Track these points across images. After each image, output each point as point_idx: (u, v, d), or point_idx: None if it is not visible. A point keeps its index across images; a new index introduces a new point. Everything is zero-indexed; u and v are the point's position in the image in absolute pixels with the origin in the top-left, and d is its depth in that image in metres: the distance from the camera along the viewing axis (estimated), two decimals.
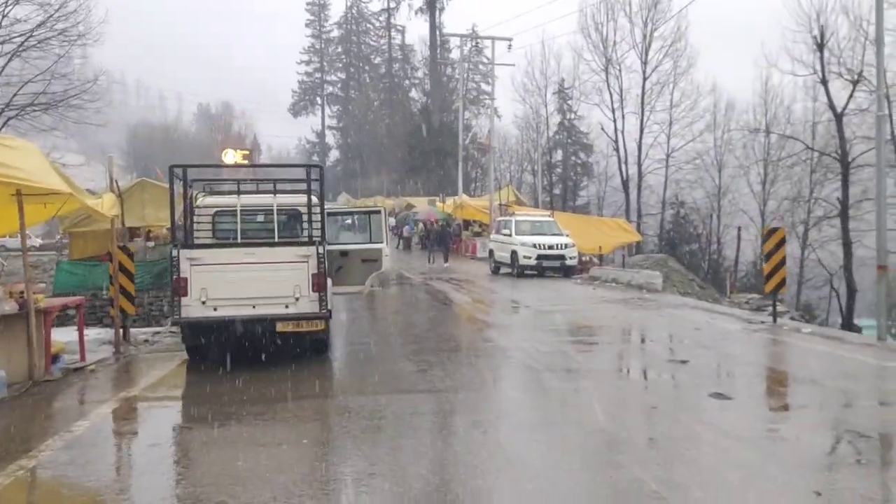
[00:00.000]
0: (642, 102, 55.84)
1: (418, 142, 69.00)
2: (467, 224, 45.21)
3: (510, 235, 29.57)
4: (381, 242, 14.61)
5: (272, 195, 13.48)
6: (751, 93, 57.54)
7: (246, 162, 74.40)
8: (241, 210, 13.03)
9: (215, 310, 11.52)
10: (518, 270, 28.71)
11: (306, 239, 12.22)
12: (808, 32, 36.38)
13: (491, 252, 31.63)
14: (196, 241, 12.86)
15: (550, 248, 28.62)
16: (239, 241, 12.78)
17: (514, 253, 28.98)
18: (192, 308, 11.49)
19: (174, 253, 11.58)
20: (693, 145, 56.82)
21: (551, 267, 28.97)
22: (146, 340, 15.14)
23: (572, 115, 66.21)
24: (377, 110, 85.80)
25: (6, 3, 33.54)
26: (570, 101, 65.85)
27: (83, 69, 41.15)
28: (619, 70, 56.28)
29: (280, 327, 11.73)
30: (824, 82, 35.85)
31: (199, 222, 13.20)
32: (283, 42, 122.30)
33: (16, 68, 35.72)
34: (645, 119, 56.11)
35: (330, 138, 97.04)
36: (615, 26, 55.81)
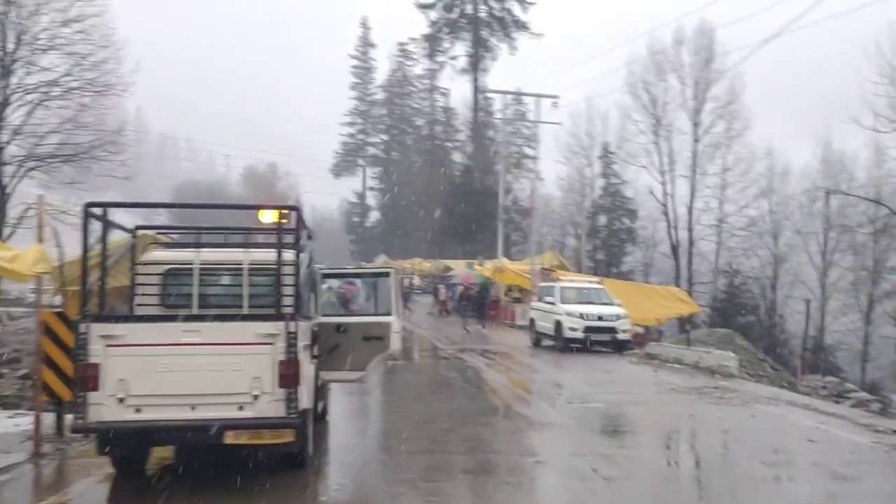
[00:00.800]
0: (693, 165, 52.01)
1: (458, 203, 65.53)
2: (508, 289, 41.33)
3: (554, 304, 25.63)
4: (390, 315, 10.86)
5: (244, 250, 9.92)
6: (810, 156, 53.13)
7: (282, 220, 71.97)
8: (202, 269, 9.62)
9: (138, 411, 7.82)
10: (562, 344, 24.69)
11: (272, 312, 8.46)
12: (890, 84, 32.28)
13: (532, 321, 27.67)
14: (136, 310, 9.32)
15: (600, 318, 24.59)
16: (193, 311, 9.18)
17: (558, 324, 24.99)
18: (104, 408, 7.78)
19: (81, 328, 7.91)
20: (747, 211, 52.69)
21: (600, 341, 24.92)
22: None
23: (617, 180, 62.53)
24: (418, 172, 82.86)
25: (33, 51, 31.21)
26: (614, 165, 62.26)
27: (110, 121, 38.35)
28: (669, 132, 52.60)
29: (230, 438, 7.98)
30: None
31: (142, 284, 9.60)
32: (329, 104, 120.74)
33: (40, 117, 33.04)
34: (696, 183, 52.17)
35: (370, 199, 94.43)
36: (665, 86, 52.32)
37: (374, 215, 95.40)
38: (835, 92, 73.16)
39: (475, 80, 66.44)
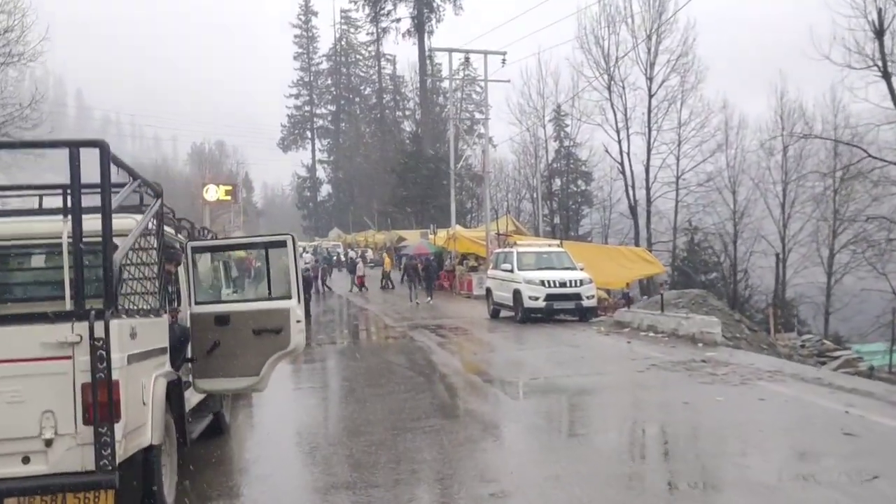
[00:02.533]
0: (649, 121, 49.38)
1: (409, 172, 62.44)
2: (462, 258, 38.46)
3: (511, 271, 22.81)
4: (290, 298, 7.88)
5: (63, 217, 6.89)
6: (765, 107, 50.78)
7: (228, 198, 68.17)
8: None
9: None
10: (522, 315, 21.93)
11: (70, 309, 5.45)
12: (863, 17, 29.56)
13: (488, 291, 24.85)
14: None
15: (562, 285, 21.85)
16: None
17: (517, 293, 22.20)
18: None
19: None
20: (704, 167, 50.33)
21: (564, 309, 22.22)
22: None
23: (570, 143, 59.81)
24: (368, 142, 79.51)
25: None
26: (567, 126, 59.53)
27: (21, 94, 34.44)
28: (623, 87, 49.88)
29: None
30: (886, 76, 29.15)
31: None
32: (272, 76, 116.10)
33: None
34: (652, 139, 49.60)
35: (321, 172, 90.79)
36: (617, 40, 49.46)
37: (325, 189, 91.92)
38: (790, 38, 71.30)
39: (420, 42, 63.27)
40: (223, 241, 8.93)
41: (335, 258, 56.23)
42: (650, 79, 49.33)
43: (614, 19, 49.28)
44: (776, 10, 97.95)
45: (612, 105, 49.95)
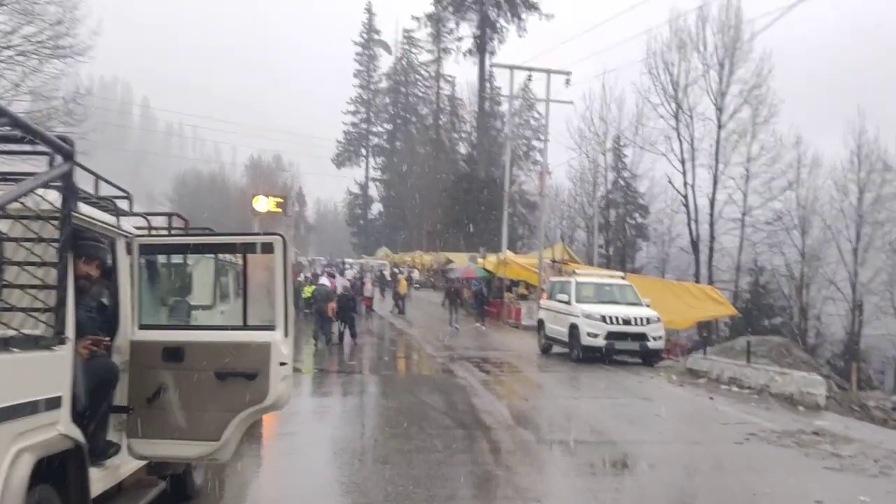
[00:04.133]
0: (717, 154, 46.03)
1: (462, 194, 59.91)
2: (511, 285, 35.64)
3: (568, 303, 20.01)
4: (274, 328, 5.28)
5: None
6: (841, 145, 47.14)
7: (279, 210, 66.24)
8: None
9: None
10: (578, 353, 19.08)
11: None
12: None
13: (541, 323, 22.02)
14: None
15: (626, 322, 18.97)
16: None
17: (573, 328, 19.38)
18: None
19: None
20: (773, 204, 46.75)
21: (626, 350, 19.32)
22: None
23: (628, 174, 56.68)
24: (422, 162, 77.20)
25: None
26: (626, 157, 56.44)
27: (66, 88, 32.66)
28: (691, 117, 46.67)
29: None
30: None
31: None
32: (332, 92, 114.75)
33: None
34: (719, 173, 46.27)
35: (373, 190, 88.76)
36: (687, 67, 46.41)
37: (376, 207, 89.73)
38: (872, 73, 67.50)
39: (481, 62, 60.95)
40: (182, 237, 6.37)
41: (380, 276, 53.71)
42: (720, 109, 46.12)
43: (685, 44, 46.29)
44: (856, 46, 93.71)
45: (678, 134, 46.78)
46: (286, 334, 5.26)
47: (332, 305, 21.86)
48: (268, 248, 5.36)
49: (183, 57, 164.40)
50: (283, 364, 5.21)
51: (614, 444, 10.02)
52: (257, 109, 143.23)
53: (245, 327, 5.35)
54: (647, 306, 19.98)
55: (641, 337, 18.93)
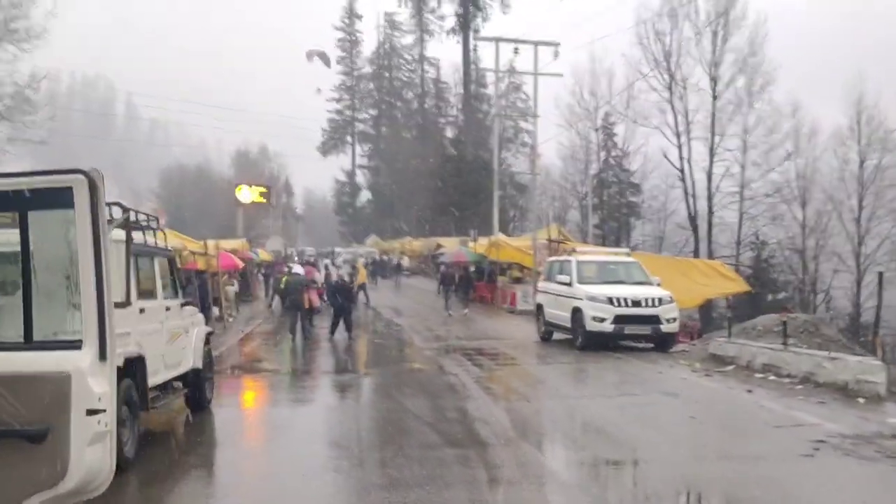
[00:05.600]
0: (712, 126, 43.69)
1: (450, 178, 57.41)
2: (503, 268, 33.23)
3: (570, 285, 17.59)
4: (83, 344, 2.85)
5: None
6: (840, 113, 44.74)
7: (263, 200, 63.55)
8: None
9: None
10: (584, 339, 16.68)
11: None
12: None
13: (539, 308, 19.59)
14: None
15: (636, 304, 16.54)
16: None
17: (577, 312, 16.95)
18: None
19: None
20: (772, 176, 44.46)
21: (637, 335, 16.96)
22: None
23: (619, 152, 54.19)
24: (408, 148, 74.57)
25: None
26: (615, 137, 53.94)
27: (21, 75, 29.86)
28: (685, 88, 44.27)
29: None
30: None
31: None
32: (315, 80, 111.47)
33: None
34: (715, 145, 43.94)
35: (361, 178, 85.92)
36: (679, 36, 44.00)
37: (364, 195, 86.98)
38: (872, 36, 65.17)
39: (465, 41, 58.33)
40: None
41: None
42: (714, 79, 43.79)
43: (676, 13, 43.79)
44: (854, 8, 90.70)
45: (672, 107, 44.44)
46: (102, 355, 2.84)
47: (308, 296, 19.48)
48: (61, 199, 2.92)
49: (163, 52, 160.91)
50: (94, 413, 2.79)
51: (646, 463, 7.62)
52: (241, 101, 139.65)
53: (26, 345, 2.92)
54: (658, 285, 17.58)
55: (654, 320, 16.53)
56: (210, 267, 23.74)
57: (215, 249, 24.25)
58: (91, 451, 2.85)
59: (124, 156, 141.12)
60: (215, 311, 23.77)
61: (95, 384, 2.85)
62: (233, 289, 28.00)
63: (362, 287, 29.73)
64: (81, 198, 2.92)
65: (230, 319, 25.00)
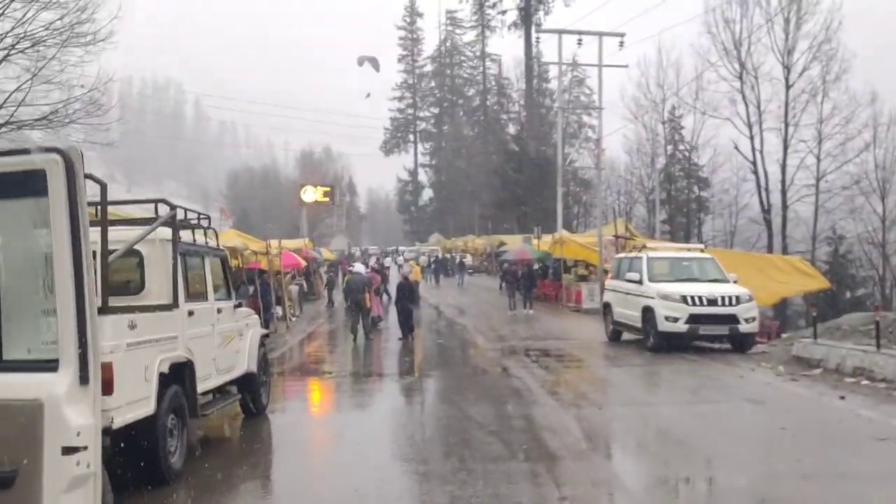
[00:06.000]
0: (786, 116, 41.92)
1: (512, 174, 56.63)
2: (568, 266, 32.33)
3: (640, 282, 16.70)
4: (59, 364, 2.29)
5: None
6: None
7: (326, 199, 63.67)
8: None
9: None
10: (656, 340, 15.78)
11: None
12: None
13: (607, 307, 18.73)
14: None
15: (712, 302, 15.59)
16: None
17: (648, 311, 16.07)
18: None
19: None
20: (849, 168, 42.42)
21: (713, 336, 16.00)
22: None
23: (685, 146, 52.53)
24: (470, 145, 74.00)
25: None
26: (683, 130, 52.26)
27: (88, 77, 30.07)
28: (756, 77, 42.55)
29: None
30: None
31: None
32: (378, 79, 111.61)
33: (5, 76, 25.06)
34: (789, 137, 42.12)
35: (423, 176, 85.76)
36: (750, 24, 42.30)
37: (427, 193, 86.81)
38: None
39: (527, 34, 57.46)
40: None
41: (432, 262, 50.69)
42: (787, 68, 41.97)
43: (747, 1, 42.12)
44: None
45: (743, 97, 42.75)
46: (84, 378, 2.28)
47: (369, 296, 19.04)
48: (33, 185, 2.36)
49: (230, 56, 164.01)
50: (72, 451, 2.23)
51: (737, 482, 6.80)
52: (307, 101, 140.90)
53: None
54: (735, 283, 16.58)
55: (731, 319, 15.54)
56: (273, 266, 23.54)
57: (278, 249, 24.04)
58: (68, 499, 2.30)
59: (195, 158, 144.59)
60: (278, 310, 23.58)
61: (74, 415, 2.28)
62: (296, 288, 27.83)
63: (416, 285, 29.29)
64: (56, 182, 2.37)
65: (293, 319, 24.80)
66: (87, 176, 6.03)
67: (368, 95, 68.60)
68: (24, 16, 23.17)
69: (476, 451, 7.97)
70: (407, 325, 18.76)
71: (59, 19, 23.74)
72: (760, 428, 8.94)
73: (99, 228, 5.96)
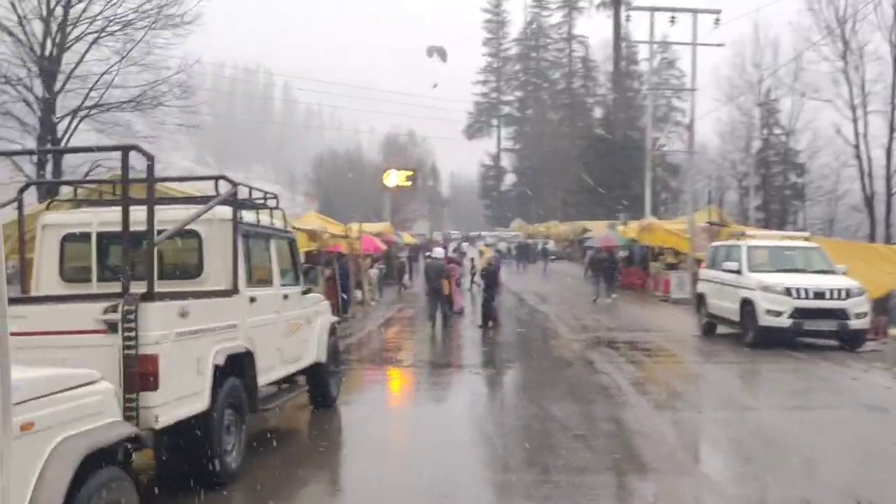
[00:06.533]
0: (892, 97, 39.02)
1: (597, 159, 55.05)
2: (656, 253, 30.92)
3: (739, 272, 15.44)
4: None
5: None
6: None
7: (409, 184, 63.40)
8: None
9: None
10: (755, 335, 14.54)
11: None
12: None
13: (701, 298, 17.47)
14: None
15: (819, 296, 14.26)
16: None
17: (747, 303, 14.82)
18: None
19: None
20: None
21: (820, 332, 14.66)
22: None
23: (780, 130, 49.86)
24: (555, 129, 72.42)
25: None
26: (778, 114, 49.62)
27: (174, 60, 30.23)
28: (861, 57, 39.78)
29: None
30: None
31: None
32: (462, 63, 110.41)
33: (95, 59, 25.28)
34: (895, 119, 39.28)
35: (506, 161, 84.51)
36: (855, 1, 39.50)
37: (509, 178, 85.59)
38: None
39: (616, 14, 55.36)
40: None
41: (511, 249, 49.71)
42: (895, 46, 39.07)
43: None
44: None
45: (846, 77, 40.01)
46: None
47: (448, 283, 18.34)
48: None
49: (318, 39, 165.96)
50: None
51: None
52: (393, 85, 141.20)
53: None
54: (844, 274, 15.17)
55: (840, 314, 14.17)
56: (353, 250, 23.15)
57: (358, 232, 23.61)
58: None
59: (283, 142, 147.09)
60: (357, 294, 23.19)
61: None
62: (376, 272, 27.42)
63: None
64: None
65: (373, 303, 24.38)
66: (134, 148, 5.49)
67: (436, 85, 68.40)
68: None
69: (560, 459, 7.12)
70: (489, 312, 17.99)
71: (147, 1, 23.81)
72: (888, 442, 7.80)
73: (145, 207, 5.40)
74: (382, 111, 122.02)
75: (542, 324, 19.84)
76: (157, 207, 6.62)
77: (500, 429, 8.61)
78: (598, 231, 41.98)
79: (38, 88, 22.51)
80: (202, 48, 29.29)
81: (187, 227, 6.39)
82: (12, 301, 5.83)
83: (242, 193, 7.29)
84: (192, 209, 6.41)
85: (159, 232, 5.63)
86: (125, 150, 5.43)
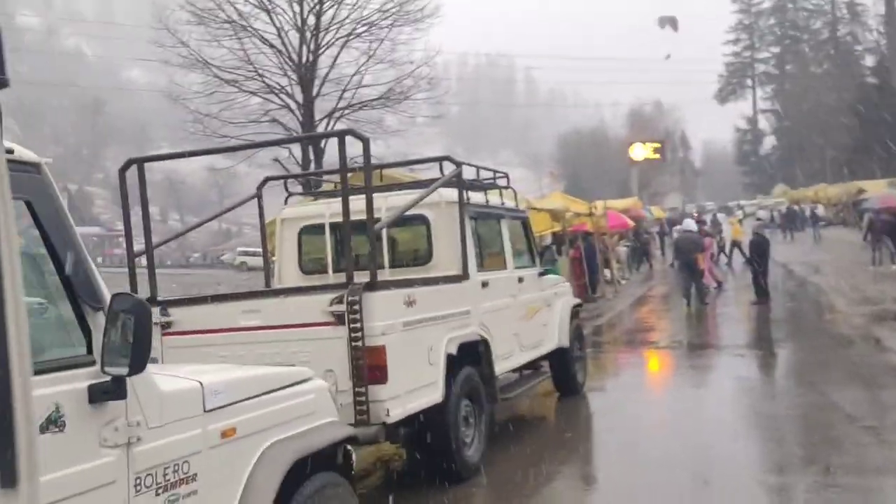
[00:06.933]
0: None
1: (871, 111, 49.19)
2: None
3: None
4: None
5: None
6: None
7: (656, 156, 60.98)
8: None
9: None
10: None
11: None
12: None
13: None
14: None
15: None
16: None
17: None
18: None
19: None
20: None
21: None
22: None
23: None
24: (819, 84, 65.90)
25: None
26: None
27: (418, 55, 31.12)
28: None
29: None
30: None
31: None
32: (705, 26, 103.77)
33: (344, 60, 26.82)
34: None
35: (763, 123, 78.43)
36: None
37: (768, 141, 79.38)
38: None
39: None
40: None
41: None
42: None
43: None
44: None
45: None
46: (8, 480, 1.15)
47: (701, 258, 17.02)
48: None
49: (549, 21, 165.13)
50: None
51: None
52: (634, 55, 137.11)
53: None
54: None
55: None
56: (598, 228, 22.39)
57: (603, 210, 22.80)
58: None
59: (527, 125, 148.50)
60: (606, 273, 22.42)
61: None
62: (625, 250, 26.42)
63: (736, 245, 25.64)
64: None
65: (622, 282, 23.48)
66: (350, 133, 5.31)
67: (668, 56, 64.78)
68: (357, 1, 24.34)
69: (846, 456, 6.03)
70: (758, 287, 16.43)
71: (389, 0, 24.62)
72: None
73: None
74: (625, 82, 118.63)
75: (814, 297, 17.80)
76: (386, 194, 6.56)
77: (771, 420, 7.55)
78: (877, 190, 37.51)
79: (298, 95, 24.04)
80: (444, 40, 29.86)
81: (415, 213, 6.20)
82: (247, 296, 6.01)
83: (469, 174, 6.97)
84: (416, 193, 6.19)
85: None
86: (341, 135, 5.28)
